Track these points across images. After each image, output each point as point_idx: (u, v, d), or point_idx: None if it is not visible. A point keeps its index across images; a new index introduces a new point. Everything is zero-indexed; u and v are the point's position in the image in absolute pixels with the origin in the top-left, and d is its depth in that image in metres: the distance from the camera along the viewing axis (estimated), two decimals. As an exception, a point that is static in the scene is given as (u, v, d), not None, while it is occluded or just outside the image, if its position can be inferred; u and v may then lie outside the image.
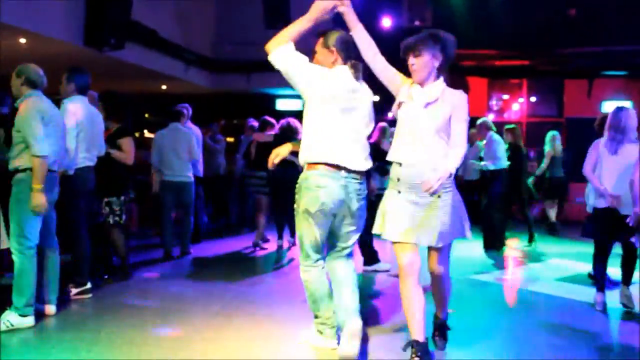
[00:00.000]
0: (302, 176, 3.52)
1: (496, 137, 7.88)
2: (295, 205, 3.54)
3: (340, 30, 3.59)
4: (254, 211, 8.25)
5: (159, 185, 7.06)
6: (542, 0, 11.58)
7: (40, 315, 4.26)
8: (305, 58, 3.49)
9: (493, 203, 7.87)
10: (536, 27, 11.70)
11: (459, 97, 3.39)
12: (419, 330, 3.32)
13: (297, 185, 3.53)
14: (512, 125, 8.50)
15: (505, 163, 7.82)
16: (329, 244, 3.69)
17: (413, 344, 3.31)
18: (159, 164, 6.98)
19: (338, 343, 3.59)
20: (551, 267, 7.00)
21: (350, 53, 3.53)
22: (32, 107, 4.10)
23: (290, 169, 6.33)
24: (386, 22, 10.96)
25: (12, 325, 4.01)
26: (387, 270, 6.24)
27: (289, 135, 6.75)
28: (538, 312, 5.13)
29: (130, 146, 5.53)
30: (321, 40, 3.59)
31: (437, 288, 3.64)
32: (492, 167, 7.77)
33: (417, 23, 10.97)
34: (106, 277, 5.58)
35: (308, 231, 3.51)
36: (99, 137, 5.19)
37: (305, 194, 3.46)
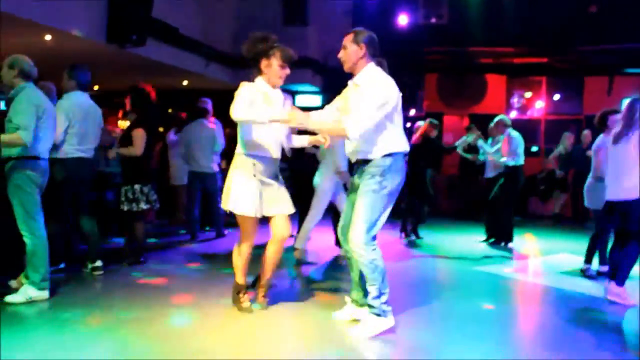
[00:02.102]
0: (383, 162, 3.76)
1: (514, 133, 7.90)
2: (374, 187, 3.75)
3: (368, 31, 3.88)
4: None
5: (187, 176, 7.78)
6: (561, -3, 11.58)
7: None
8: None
9: (508, 199, 7.95)
10: (555, 23, 11.69)
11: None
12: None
13: (376, 169, 3.76)
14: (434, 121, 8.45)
15: (522, 160, 7.87)
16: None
17: None
18: (186, 157, 7.69)
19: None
20: (560, 261, 7.08)
21: (376, 51, 3.87)
22: (28, 100, 4.34)
23: (310, 162, 6.53)
24: (402, 20, 11.11)
25: (31, 298, 4.37)
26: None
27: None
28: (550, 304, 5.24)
29: (139, 138, 5.74)
30: (351, 36, 3.84)
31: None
32: (512, 163, 7.80)
33: (433, 20, 11.07)
34: (125, 262, 5.88)
35: (385, 212, 3.81)
36: (95, 131, 5.46)
37: (394, 177, 3.78)
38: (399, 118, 3.84)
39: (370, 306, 3.82)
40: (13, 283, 4.71)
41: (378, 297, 3.79)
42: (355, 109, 3.72)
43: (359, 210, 3.76)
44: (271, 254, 4.30)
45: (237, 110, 3.85)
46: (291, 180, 7.39)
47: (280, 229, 4.25)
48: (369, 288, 3.81)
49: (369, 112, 3.65)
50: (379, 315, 3.80)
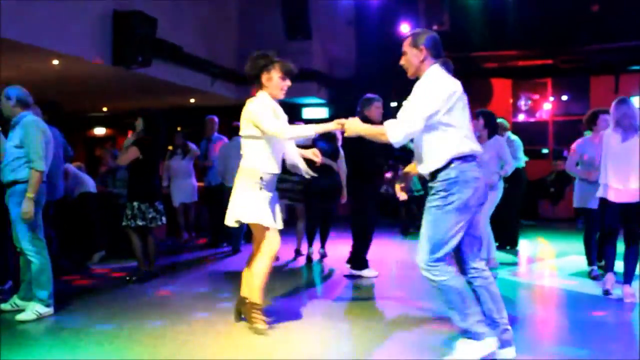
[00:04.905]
0: (447, 174, 3.35)
1: (513, 137, 7.94)
2: (437, 203, 3.35)
3: (429, 30, 3.65)
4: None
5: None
6: (563, -1, 11.60)
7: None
8: None
9: (513, 202, 7.92)
10: (558, 24, 11.70)
11: None
12: None
13: (440, 184, 3.37)
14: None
15: (523, 162, 7.87)
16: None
17: None
18: (224, 172, 7.72)
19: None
20: (566, 263, 7.06)
21: (439, 52, 3.55)
22: (35, 126, 4.56)
23: (327, 176, 6.65)
24: (404, 28, 11.18)
25: (40, 314, 4.55)
26: (375, 276, 6.16)
27: (329, 138, 6.86)
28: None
29: (129, 153, 5.94)
30: (409, 40, 3.57)
31: None
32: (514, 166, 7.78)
33: (435, 27, 11.11)
34: (131, 278, 6.01)
35: (457, 228, 3.36)
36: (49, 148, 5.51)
37: (462, 188, 3.33)
38: (459, 119, 3.41)
39: (463, 332, 3.41)
40: (7, 307, 4.78)
41: (463, 319, 3.36)
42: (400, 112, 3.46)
43: (422, 229, 3.43)
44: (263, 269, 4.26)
45: (282, 128, 4.11)
46: (305, 194, 7.29)
47: (277, 243, 4.28)
48: (449, 312, 3.43)
49: (412, 116, 3.35)
50: (471, 338, 3.36)
